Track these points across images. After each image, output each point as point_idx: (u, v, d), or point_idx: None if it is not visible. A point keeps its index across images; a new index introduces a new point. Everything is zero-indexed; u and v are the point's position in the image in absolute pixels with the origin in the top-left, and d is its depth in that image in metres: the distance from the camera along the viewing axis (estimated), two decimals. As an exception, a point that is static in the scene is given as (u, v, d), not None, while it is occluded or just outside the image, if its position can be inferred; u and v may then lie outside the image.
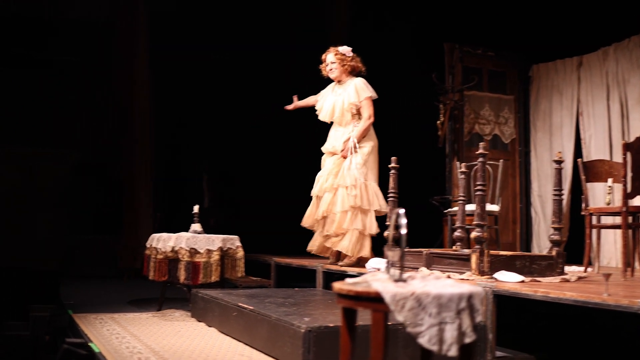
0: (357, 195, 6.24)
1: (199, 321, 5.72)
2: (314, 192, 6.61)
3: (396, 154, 6.12)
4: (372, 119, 6.39)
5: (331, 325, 3.93)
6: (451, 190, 8.67)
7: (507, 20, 8.84)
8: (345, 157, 6.34)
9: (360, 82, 6.49)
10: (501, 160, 7.25)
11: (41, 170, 12.16)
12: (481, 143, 5.01)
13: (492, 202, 7.03)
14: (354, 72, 6.61)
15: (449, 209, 7.24)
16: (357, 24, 10.53)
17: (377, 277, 2.38)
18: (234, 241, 6.42)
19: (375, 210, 6.35)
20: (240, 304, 4.84)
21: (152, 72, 10.70)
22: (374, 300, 2.24)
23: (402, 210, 2.46)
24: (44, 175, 12.19)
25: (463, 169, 6.27)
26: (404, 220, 2.40)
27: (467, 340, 2.23)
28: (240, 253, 6.44)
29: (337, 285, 2.38)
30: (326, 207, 6.38)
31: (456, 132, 8.99)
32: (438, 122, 8.87)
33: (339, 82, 6.63)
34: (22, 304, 9.36)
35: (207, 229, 6.63)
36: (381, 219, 6.38)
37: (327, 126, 6.78)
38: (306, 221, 6.69)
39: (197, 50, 10.94)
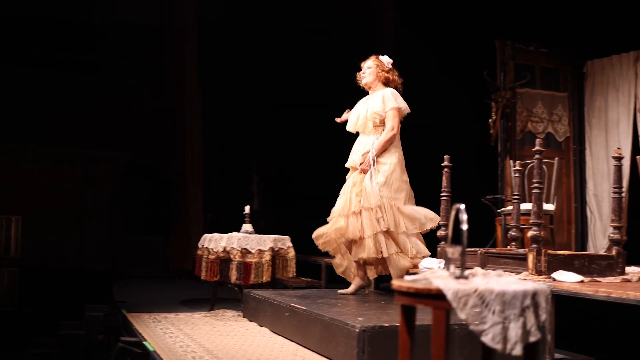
0: (380, 218, 5.59)
1: (251, 321, 5.71)
2: (335, 213, 5.97)
3: (447, 153, 6.04)
4: (394, 131, 5.78)
5: (386, 325, 3.87)
6: (503, 190, 8.52)
7: (559, 16, 8.66)
8: (364, 172, 5.77)
9: (389, 92, 5.95)
10: (556, 159, 7.07)
11: (94, 172, 12.34)
12: (537, 139, 4.90)
13: (548, 201, 6.88)
14: (388, 84, 6.06)
15: (503, 209, 7.11)
16: (406, 23, 10.44)
17: (437, 274, 2.32)
18: (285, 241, 6.40)
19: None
20: (292, 304, 4.81)
21: (201, 74, 10.78)
22: (435, 297, 2.18)
23: (462, 206, 2.40)
24: (97, 177, 12.35)
25: (517, 167, 6.15)
26: (464, 216, 2.33)
27: (532, 339, 2.16)
28: (292, 253, 6.41)
29: (397, 283, 2.33)
30: (353, 231, 5.71)
31: (508, 130, 8.83)
32: (490, 120, 8.72)
33: (370, 90, 6.13)
34: (76, 304, 9.51)
35: (257, 231, 6.62)
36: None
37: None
38: (327, 245, 6.02)
39: (244, 52, 11.00)
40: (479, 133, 8.91)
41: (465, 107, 9.20)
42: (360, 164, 5.82)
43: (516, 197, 6.02)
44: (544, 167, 6.99)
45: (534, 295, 2.18)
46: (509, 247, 5.79)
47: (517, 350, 2.12)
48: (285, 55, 10.74)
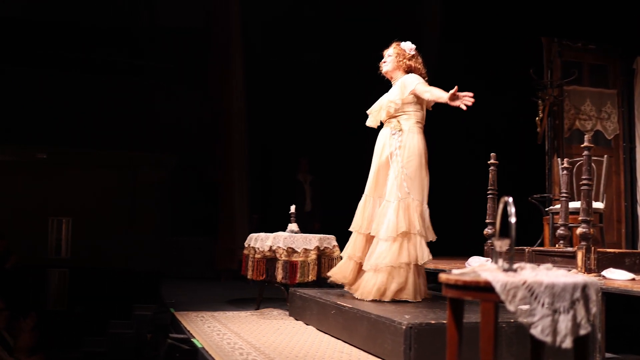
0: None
1: (297, 319, 5.73)
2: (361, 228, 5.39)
3: (494, 152, 5.98)
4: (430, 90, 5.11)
5: (433, 322, 3.86)
6: (551, 188, 8.42)
7: (607, 12, 8.52)
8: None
9: (408, 76, 5.33)
10: (605, 156, 6.96)
11: (142, 174, 12.55)
12: (586, 136, 4.84)
13: (597, 200, 6.78)
14: (411, 72, 5.43)
15: (550, 207, 7.02)
16: (451, 21, 10.40)
17: (485, 267, 2.30)
18: (330, 240, 6.41)
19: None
20: (338, 302, 4.82)
21: (246, 76, 10.86)
22: (484, 289, 2.16)
23: (510, 199, 2.38)
24: (144, 179, 12.55)
25: (565, 165, 6.07)
26: (512, 209, 2.32)
27: (582, 332, 2.14)
28: (337, 252, 6.41)
29: (444, 276, 2.32)
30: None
31: (556, 128, 8.72)
32: (537, 118, 8.62)
33: (391, 79, 5.53)
34: (125, 303, 9.67)
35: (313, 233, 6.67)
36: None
37: (437, 127, 6.14)
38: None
39: (289, 54, 11.06)
40: (526, 132, 8.81)
41: (512, 106, 9.11)
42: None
43: (564, 195, 5.93)
44: (593, 164, 6.91)
45: (584, 287, 2.15)
46: (557, 245, 5.72)
47: (567, 343, 2.09)
48: (330, 55, 10.76)
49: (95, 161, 12.27)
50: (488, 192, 5.86)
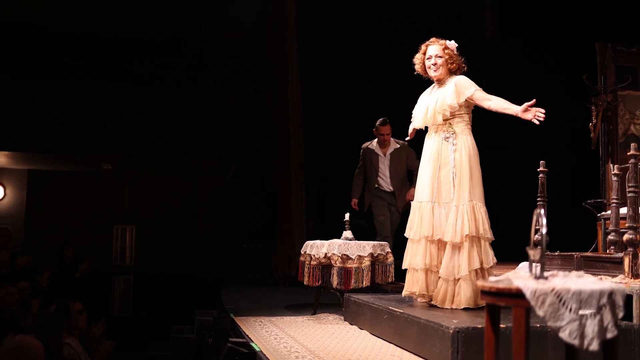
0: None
1: (351, 324, 5.93)
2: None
3: (548, 158, 6.07)
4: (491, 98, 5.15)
5: (479, 326, 4.00)
6: (605, 194, 8.41)
7: (662, 16, 8.50)
8: None
9: (461, 79, 5.30)
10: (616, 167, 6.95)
11: (202, 182, 12.95)
12: (633, 144, 4.91)
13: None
14: (456, 71, 5.42)
15: (603, 213, 7.06)
16: (506, 27, 10.46)
17: (519, 274, 2.46)
18: (384, 247, 6.59)
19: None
20: (390, 307, 5.00)
21: (302, 86, 11.12)
22: (515, 296, 2.33)
23: (542, 211, 2.54)
24: (204, 187, 12.96)
25: (616, 171, 6.12)
26: (544, 220, 2.47)
27: (609, 335, 2.28)
28: (390, 259, 6.59)
29: (480, 283, 2.49)
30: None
31: (610, 133, 8.70)
32: (590, 124, 8.63)
33: (438, 82, 5.42)
34: (187, 309, 10.00)
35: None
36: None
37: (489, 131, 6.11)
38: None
39: (343, 64, 11.27)
40: (580, 137, 8.83)
41: (565, 111, 9.13)
42: None
43: (615, 200, 5.99)
44: (645, 170, 6.93)
45: (611, 294, 2.30)
46: (607, 251, 5.78)
47: (594, 346, 2.24)
48: (385, 62, 10.93)
49: (157, 170, 12.73)
50: (537, 199, 5.95)
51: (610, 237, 5.82)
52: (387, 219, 8.56)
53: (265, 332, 5.53)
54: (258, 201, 11.64)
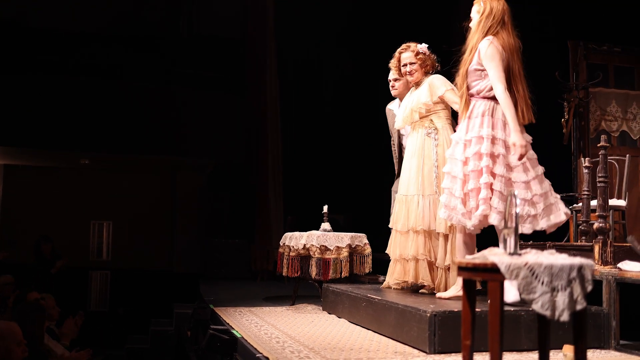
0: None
1: (330, 313, 6.04)
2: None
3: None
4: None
5: (455, 310, 4.13)
6: (577, 188, 8.61)
7: (633, 15, 8.70)
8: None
9: (434, 79, 5.52)
10: (627, 155, 7.16)
11: (180, 178, 13.00)
12: (602, 136, 5.08)
13: (620, 197, 6.99)
14: (432, 71, 5.65)
15: (574, 205, 7.24)
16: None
17: (493, 252, 2.59)
18: (361, 239, 6.71)
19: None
20: (369, 295, 5.12)
21: (281, 82, 11.22)
22: (490, 270, 2.46)
23: (516, 192, 2.66)
24: (183, 183, 13.01)
25: (587, 164, 6.30)
26: (517, 200, 2.60)
27: (579, 307, 2.41)
28: (368, 250, 6.71)
29: (457, 260, 2.62)
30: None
31: (581, 129, 8.91)
32: (563, 120, 8.83)
33: (416, 84, 5.67)
34: (165, 303, 10.07)
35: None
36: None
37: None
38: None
39: (321, 62, 11.39)
40: (552, 133, 9.01)
41: (537, 107, 9.30)
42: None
43: (585, 192, 6.17)
44: (616, 163, 7.12)
45: (580, 268, 2.43)
46: (579, 241, 5.95)
47: (565, 317, 2.37)
48: (363, 61, 11.06)
49: (135, 166, 12.74)
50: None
51: (581, 227, 6.01)
52: None
53: (246, 320, 5.63)
54: (237, 197, 11.71)
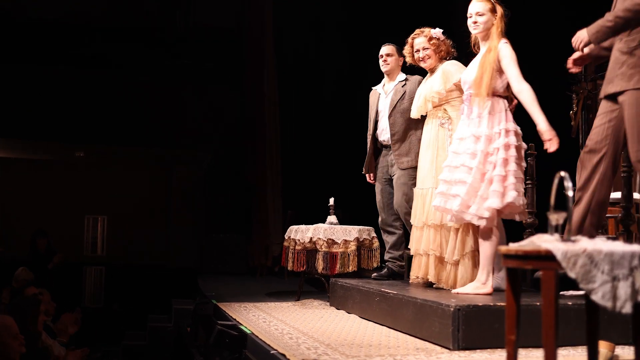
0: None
1: (338, 309, 5.83)
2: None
3: (528, 144, 6.02)
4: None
5: (480, 304, 3.94)
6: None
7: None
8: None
9: (449, 65, 5.33)
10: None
11: (178, 172, 12.75)
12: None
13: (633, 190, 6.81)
14: (447, 57, 5.47)
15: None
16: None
17: (542, 238, 2.39)
18: (369, 232, 6.50)
19: None
20: (383, 289, 4.91)
21: (279, 74, 11.00)
22: (545, 258, 2.25)
23: (564, 173, 2.46)
24: (180, 177, 12.76)
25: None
26: (569, 183, 2.40)
27: (641, 298, 2.21)
28: (376, 244, 6.51)
29: (504, 247, 2.41)
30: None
31: (590, 122, 8.71)
32: (571, 112, 8.65)
33: (430, 71, 5.48)
34: (163, 299, 9.84)
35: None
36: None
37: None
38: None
39: (320, 54, 11.17)
40: (560, 125, 8.82)
41: (545, 99, 9.12)
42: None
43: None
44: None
45: (642, 255, 2.23)
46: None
47: (627, 308, 2.17)
48: (363, 53, 10.83)
49: (132, 159, 12.50)
50: (527, 182, 5.90)
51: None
52: (381, 199, 6.28)
53: (253, 316, 5.41)
54: (234, 191, 11.50)
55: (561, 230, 2.47)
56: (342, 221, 6.72)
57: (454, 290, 4.82)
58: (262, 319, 5.21)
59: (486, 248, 4.64)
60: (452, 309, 3.86)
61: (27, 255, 9.80)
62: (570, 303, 4.02)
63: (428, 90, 5.31)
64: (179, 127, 11.22)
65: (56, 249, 10.08)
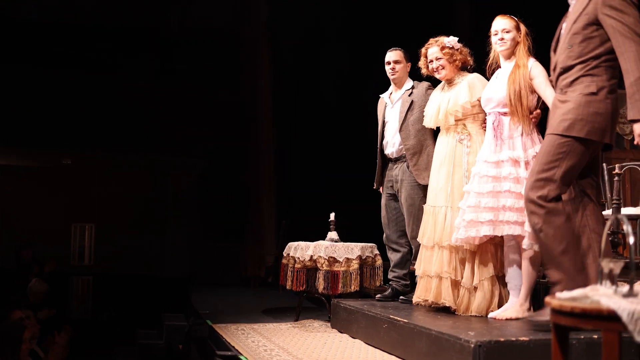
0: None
1: (341, 332, 5.54)
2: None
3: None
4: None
5: (502, 339, 3.66)
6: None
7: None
8: None
9: (474, 79, 5.01)
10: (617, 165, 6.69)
11: (171, 178, 12.41)
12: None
13: (636, 205, 6.56)
14: (464, 68, 5.21)
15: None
16: (480, 13, 10.17)
17: (600, 291, 2.10)
18: (372, 249, 6.22)
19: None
20: (391, 316, 4.62)
21: (274, 78, 10.69)
22: (606, 318, 1.96)
23: (621, 215, 2.18)
24: (173, 183, 12.43)
25: (617, 171, 5.84)
26: (629, 227, 2.11)
27: None
28: (379, 261, 6.22)
29: (556, 302, 2.12)
30: None
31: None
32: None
33: (448, 82, 5.18)
34: (153, 311, 9.51)
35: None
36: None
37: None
38: None
39: (316, 57, 10.86)
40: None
41: (547, 109, 8.89)
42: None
43: (616, 201, 5.72)
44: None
45: None
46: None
47: None
48: (360, 54, 10.55)
49: (121, 165, 12.16)
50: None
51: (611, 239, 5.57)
52: (385, 214, 5.98)
53: (252, 342, 5.10)
54: (228, 199, 11.19)
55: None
56: (340, 235, 6.43)
57: (491, 314, 4.54)
58: (263, 346, 4.91)
59: (533, 269, 4.46)
60: (472, 345, 3.57)
61: (13, 267, 9.51)
62: (596, 336, 3.77)
63: (452, 102, 4.99)
64: (171, 131, 10.89)
65: (41, 259, 9.76)
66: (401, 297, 5.78)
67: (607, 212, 6.25)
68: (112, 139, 10.69)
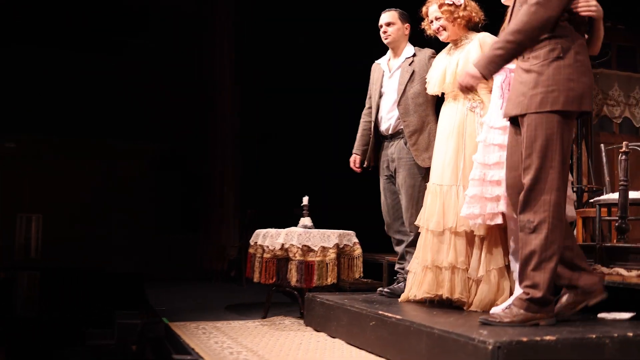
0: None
1: (318, 330, 4.85)
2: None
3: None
4: None
5: (524, 339, 3.01)
6: (580, 178, 7.66)
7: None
8: None
9: (485, 36, 4.41)
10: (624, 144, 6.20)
11: (122, 165, 11.60)
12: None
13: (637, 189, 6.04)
14: (471, 26, 4.57)
15: (597, 198, 6.18)
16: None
17: None
18: (350, 237, 5.54)
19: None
20: (381, 312, 3.95)
21: (238, 62, 9.97)
22: None
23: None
24: (124, 171, 11.62)
25: (624, 149, 5.29)
26: None
27: None
28: (358, 251, 5.56)
29: None
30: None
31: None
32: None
33: (454, 42, 4.57)
34: (104, 309, 8.74)
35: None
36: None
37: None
38: None
39: (283, 35, 10.15)
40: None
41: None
42: None
43: (623, 183, 5.15)
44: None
45: None
46: (615, 241, 4.98)
47: None
48: (329, 32, 9.87)
49: (69, 151, 11.29)
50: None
51: (617, 224, 5.00)
52: (384, 199, 5.31)
53: (215, 343, 4.38)
54: (185, 187, 10.47)
55: None
56: (315, 222, 5.75)
57: (494, 310, 3.87)
58: (228, 348, 4.19)
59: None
60: (490, 347, 2.92)
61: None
62: (631, 334, 3.19)
63: (463, 64, 4.31)
64: (122, 115, 10.10)
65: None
66: (383, 289, 5.13)
67: (606, 197, 5.71)
68: (58, 122, 9.91)
